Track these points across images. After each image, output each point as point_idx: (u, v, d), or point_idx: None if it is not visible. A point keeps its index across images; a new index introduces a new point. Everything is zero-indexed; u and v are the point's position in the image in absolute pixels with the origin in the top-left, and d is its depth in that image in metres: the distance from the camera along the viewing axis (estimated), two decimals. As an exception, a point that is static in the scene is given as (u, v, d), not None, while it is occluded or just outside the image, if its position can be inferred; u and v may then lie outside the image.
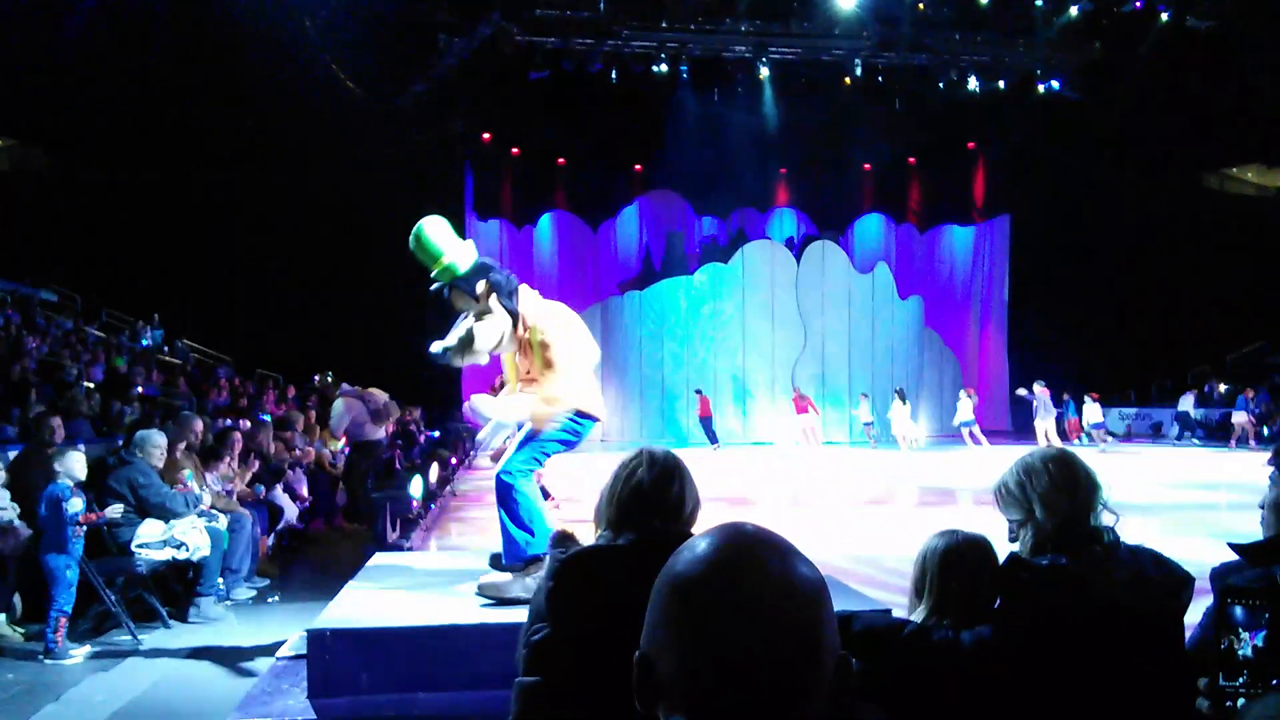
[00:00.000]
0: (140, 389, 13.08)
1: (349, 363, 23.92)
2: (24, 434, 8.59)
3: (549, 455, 4.67)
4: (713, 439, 23.20)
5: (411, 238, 4.60)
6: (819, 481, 16.04)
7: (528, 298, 4.67)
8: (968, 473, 16.56)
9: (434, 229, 4.61)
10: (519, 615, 2.54)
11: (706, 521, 2.40)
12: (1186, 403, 24.64)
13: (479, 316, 4.57)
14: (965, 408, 21.97)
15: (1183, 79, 23.92)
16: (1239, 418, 22.86)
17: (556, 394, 4.54)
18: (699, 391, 23.93)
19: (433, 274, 4.63)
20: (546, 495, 8.43)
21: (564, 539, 2.53)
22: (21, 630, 6.18)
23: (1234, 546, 2.64)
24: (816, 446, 22.58)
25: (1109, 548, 2.27)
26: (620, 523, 2.40)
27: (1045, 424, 21.25)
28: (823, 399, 25.93)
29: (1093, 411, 22.67)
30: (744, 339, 25.97)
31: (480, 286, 4.54)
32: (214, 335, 24.56)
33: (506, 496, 4.53)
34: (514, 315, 4.59)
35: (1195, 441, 24.02)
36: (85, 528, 5.98)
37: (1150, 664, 2.15)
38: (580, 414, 4.63)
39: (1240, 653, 1.96)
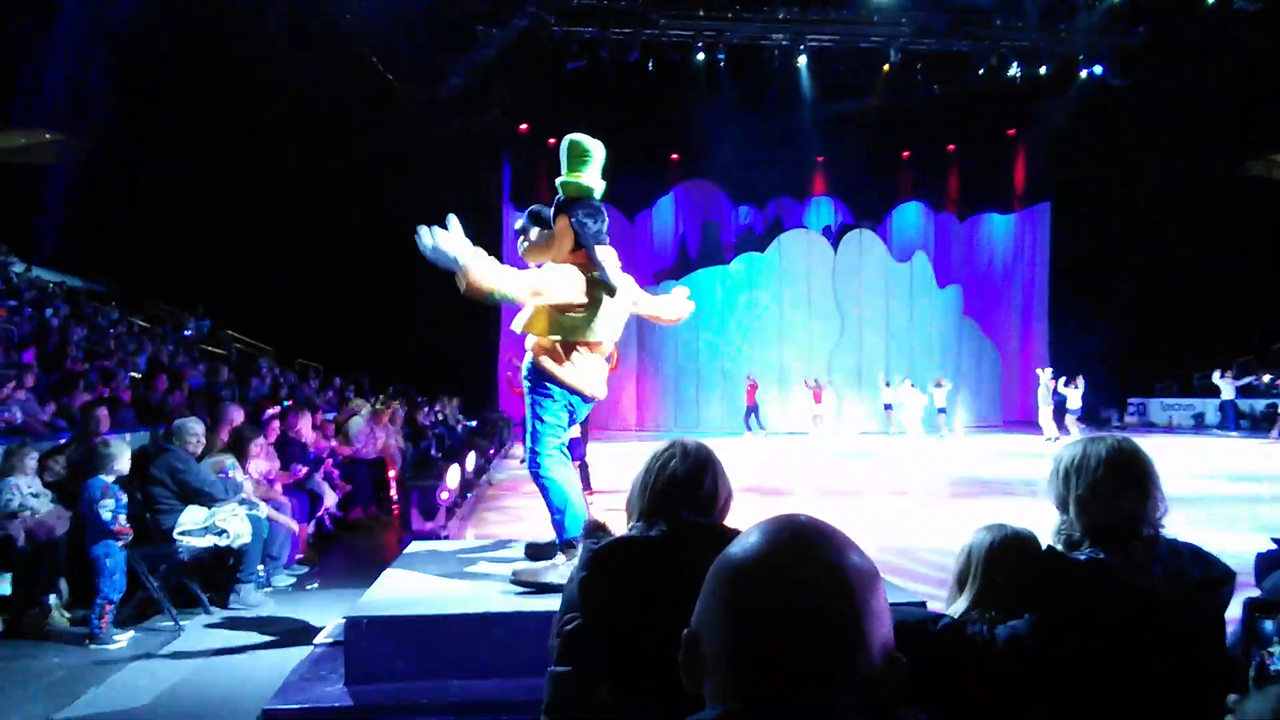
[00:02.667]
0: (184, 379, 13.27)
1: (387, 352, 24.21)
2: (72, 423, 8.74)
3: (557, 434, 4.59)
4: (749, 426, 23.27)
5: (572, 138, 4.63)
6: (852, 471, 15.97)
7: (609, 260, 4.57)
8: (1007, 463, 16.42)
9: (596, 149, 4.64)
10: (553, 603, 2.56)
11: (738, 512, 2.41)
12: (1228, 391, 24.17)
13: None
14: (1074, 395, 21.54)
15: (1229, 63, 23.44)
16: None
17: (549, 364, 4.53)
18: (749, 378, 23.93)
19: (559, 180, 4.63)
20: (587, 487, 8.47)
21: (596, 529, 2.53)
22: (69, 615, 6.30)
23: (1278, 541, 2.60)
24: (827, 432, 22.75)
25: (1148, 542, 2.23)
26: (652, 514, 2.40)
27: (1046, 411, 21.12)
28: (859, 388, 25.83)
29: (1072, 398, 22.06)
30: (780, 328, 25.88)
31: (563, 219, 4.56)
32: (256, 325, 24.84)
33: (541, 490, 4.60)
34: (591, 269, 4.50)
35: (1234, 433, 23.57)
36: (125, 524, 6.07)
37: (1189, 661, 2.12)
38: (576, 393, 4.59)
39: (1273, 668, 1.91)
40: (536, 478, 4.58)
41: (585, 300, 4.49)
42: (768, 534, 1.04)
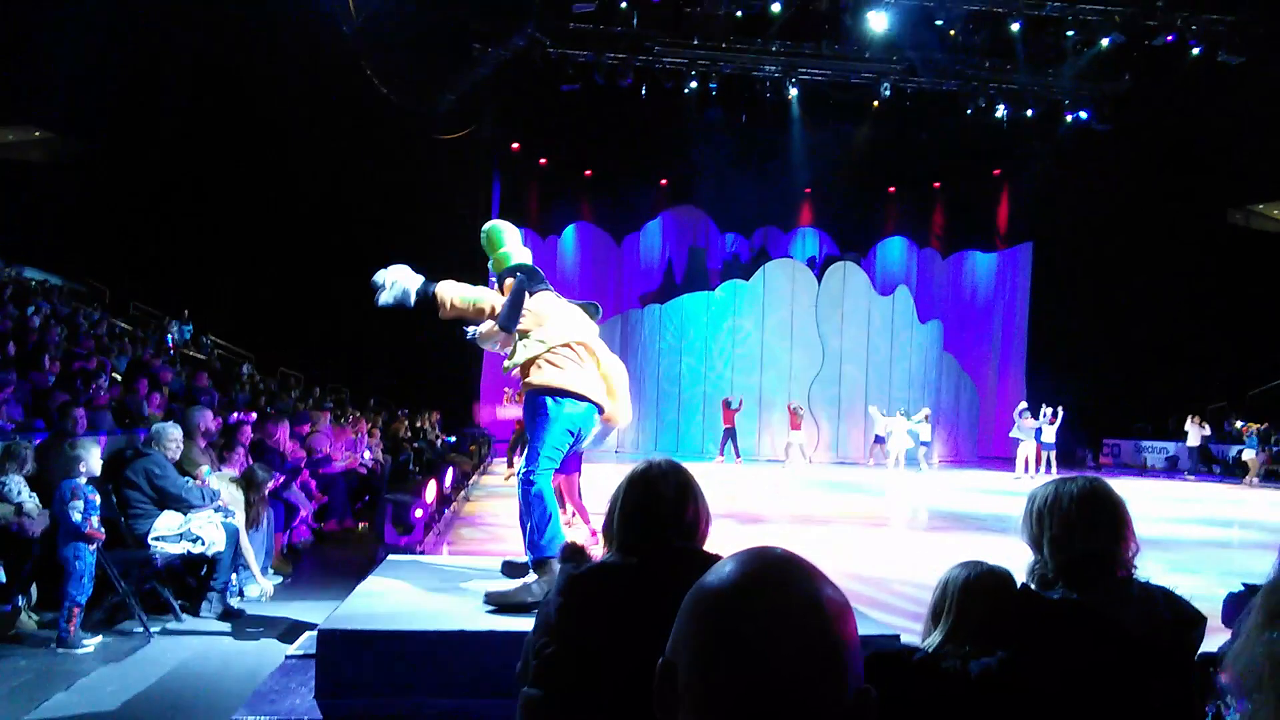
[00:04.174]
0: (165, 383, 13.19)
1: (370, 365, 24.13)
2: (49, 423, 8.68)
3: (560, 450, 4.73)
4: (723, 451, 23.28)
5: (485, 229, 5.28)
6: (828, 500, 16.00)
7: (540, 299, 4.94)
8: (983, 498, 16.50)
9: (506, 228, 5.29)
10: (527, 623, 2.56)
11: (716, 538, 2.42)
12: (1194, 437, 24.46)
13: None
14: (1049, 430, 21.64)
15: (1211, 114, 23.81)
16: (1249, 454, 22.83)
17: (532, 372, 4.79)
18: (727, 403, 23.87)
19: (489, 265, 5.22)
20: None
21: (575, 553, 2.54)
22: (37, 617, 6.24)
23: (1250, 588, 2.64)
24: (803, 462, 22.77)
25: (1121, 583, 2.27)
26: (631, 539, 2.39)
27: (1026, 449, 21.21)
28: (837, 418, 25.93)
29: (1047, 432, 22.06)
30: (762, 356, 25.96)
31: (507, 281, 4.97)
32: (238, 332, 24.74)
33: (524, 502, 4.67)
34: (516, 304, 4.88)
35: (1190, 477, 23.77)
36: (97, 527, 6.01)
37: (1159, 702, 2.15)
38: (563, 394, 4.72)
39: (1228, 718, 1.94)
40: (524, 493, 4.65)
41: (534, 314, 4.86)
42: (743, 564, 1.05)
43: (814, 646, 0.99)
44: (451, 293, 4.95)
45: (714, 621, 1.01)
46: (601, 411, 4.92)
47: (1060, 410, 21.51)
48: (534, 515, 4.58)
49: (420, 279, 5.01)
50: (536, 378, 4.74)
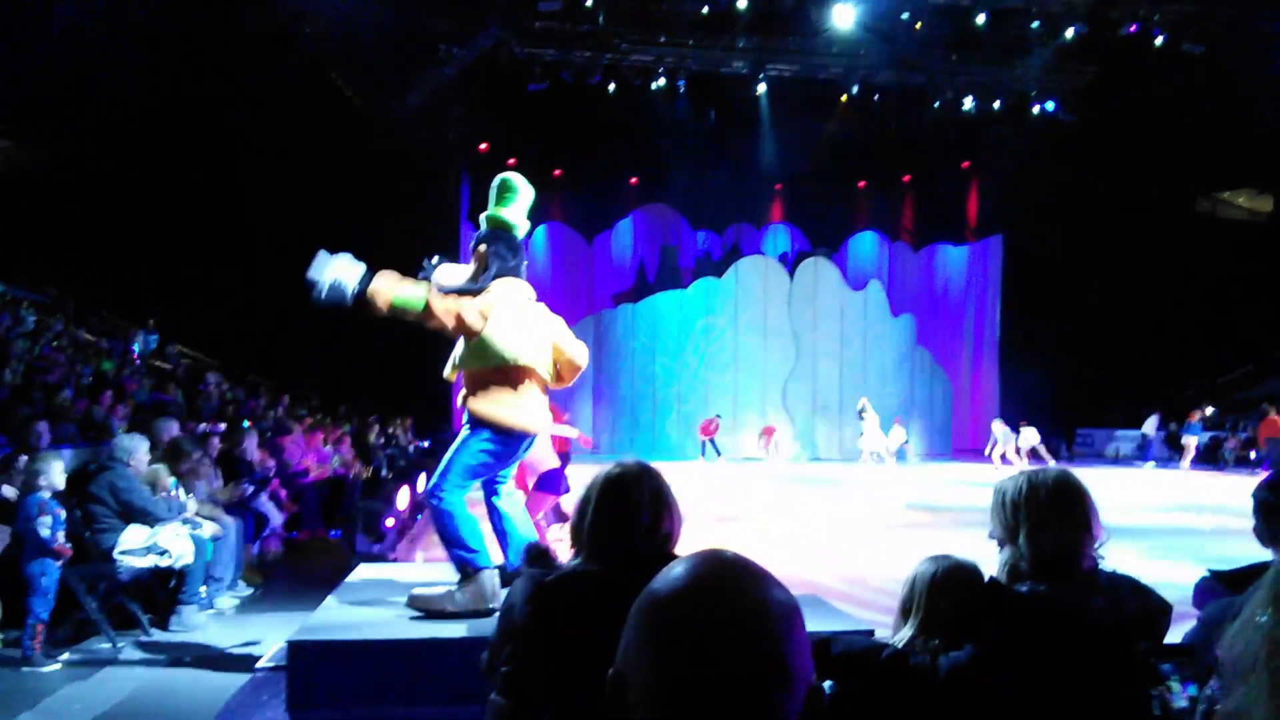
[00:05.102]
0: (130, 394, 13.03)
1: (339, 370, 23.95)
2: (11, 438, 8.53)
3: (475, 474, 4.53)
4: (703, 452, 23.39)
5: (503, 177, 4.79)
6: (806, 497, 16.03)
7: (503, 287, 4.54)
8: (964, 492, 16.58)
9: (520, 187, 4.76)
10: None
11: (690, 540, 2.38)
12: (1150, 427, 24.87)
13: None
14: (1031, 434, 22.22)
15: (1176, 103, 24.06)
16: (1187, 439, 23.35)
17: (479, 407, 4.46)
18: (718, 416, 24.07)
19: (484, 215, 4.76)
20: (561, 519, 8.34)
21: (539, 555, 2.49)
22: (1, 636, 6.12)
23: (1215, 574, 2.64)
24: (778, 460, 22.94)
25: (1088, 575, 2.26)
26: (598, 546, 2.34)
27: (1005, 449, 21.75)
28: (812, 414, 26.01)
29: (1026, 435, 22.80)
30: (736, 354, 25.99)
31: (481, 248, 4.64)
32: (205, 340, 24.49)
33: (435, 519, 4.53)
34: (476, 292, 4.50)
35: (1147, 465, 24.12)
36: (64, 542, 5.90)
37: (1126, 692, 2.14)
38: (502, 431, 4.46)
39: (1175, 704, 1.96)
40: (432, 507, 4.53)
41: (482, 321, 4.41)
42: (690, 569, 1.04)
43: (762, 648, 0.98)
44: (387, 292, 4.29)
45: (661, 626, 1.01)
46: (535, 438, 4.70)
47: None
48: (446, 531, 4.49)
49: (360, 270, 4.31)
50: (480, 405, 4.44)
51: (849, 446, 25.07)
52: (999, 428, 22.59)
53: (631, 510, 2.34)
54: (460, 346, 4.54)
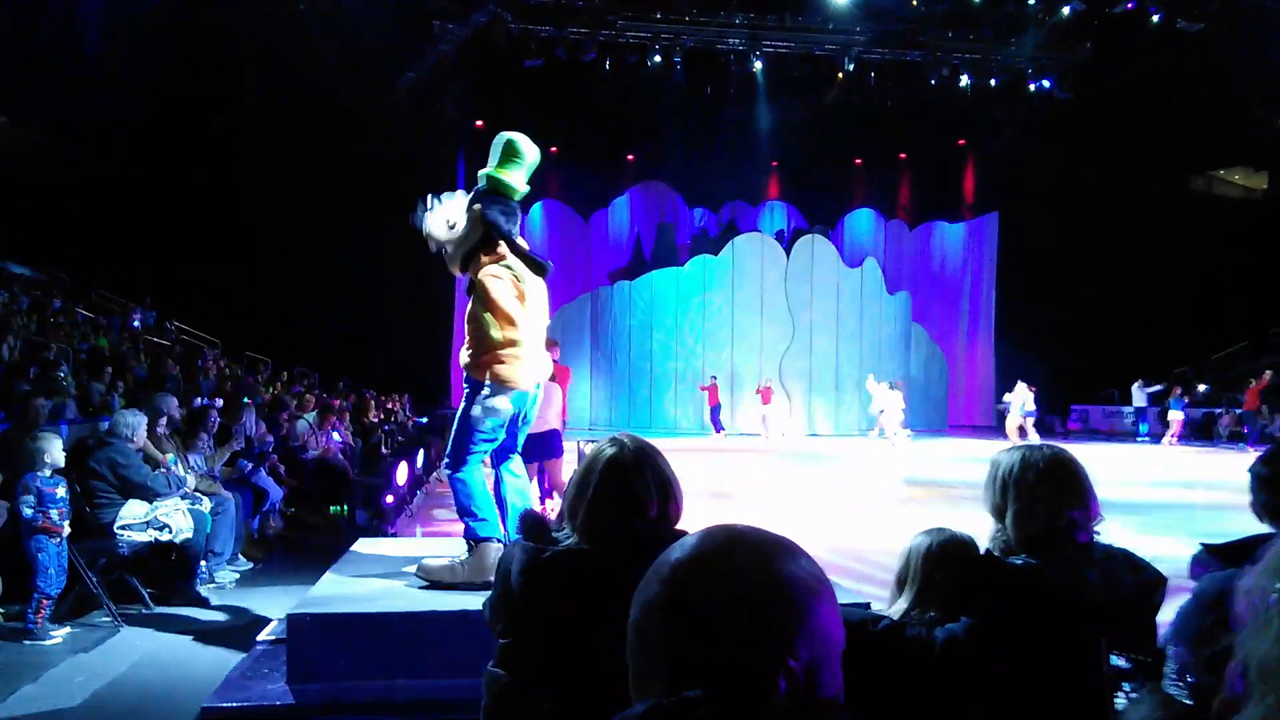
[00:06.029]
0: (128, 370, 13.02)
1: (338, 347, 23.97)
2: (11, 414, 8.53)
3: (484, 437, 4.43)
4: (718, 427, 23.49)
5: (509, 137, 4.58)
6: (805, 474, 16.07)
7: (503, 260, 4.44)
8: (958, 466, 16.63)
9: (525, 149, 4.58)
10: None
11: (691, 514, 2.40)
12: (1139, 399, 24.90)
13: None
14: (1028, 398, 21.78)
15: (1172, 81, 24.02)
16: (1173, 414, 23.31)
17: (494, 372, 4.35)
18: (714, 379, 24.04)
19: (484, 171, 4.60)
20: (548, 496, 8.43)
21: (534, 525, 2.47)
22: (2, 610, 6.16)
23: (1207, 547, 2.67)
24: (775, 435, 22.89)
25: (1082, 548, 2.29)
26: (596, 522, 2.31)
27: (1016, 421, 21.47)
28: (809, 391, 26.06)
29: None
30: (733, 331, 26.01)
31: (475, 209, 4.46)
32: (204, 317, 24.48)
33: (451, 488, 4.55)
34: (471, 254, 4.46)
35: (1145, 439, 24.16)
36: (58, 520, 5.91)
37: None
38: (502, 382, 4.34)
39: (1119, 703, 1.99)
40: (448, 477, 4.54)
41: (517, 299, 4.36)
42: (706, 537, 1.07)
43: (766, 619, 1.00)
44: (442, 235, 4.50)
45: (672, 592, 1.03)
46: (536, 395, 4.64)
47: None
48: (461, 499, 4.50)
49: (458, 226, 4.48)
50: (480, 363, 4.35)
51: (845, 422, 25.16)
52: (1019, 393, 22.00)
53: (634, 495, 2.30)
54: (474, 339, 4.42)
